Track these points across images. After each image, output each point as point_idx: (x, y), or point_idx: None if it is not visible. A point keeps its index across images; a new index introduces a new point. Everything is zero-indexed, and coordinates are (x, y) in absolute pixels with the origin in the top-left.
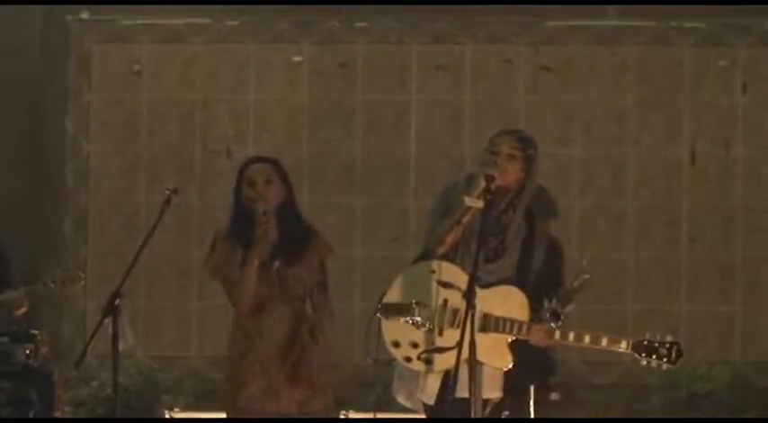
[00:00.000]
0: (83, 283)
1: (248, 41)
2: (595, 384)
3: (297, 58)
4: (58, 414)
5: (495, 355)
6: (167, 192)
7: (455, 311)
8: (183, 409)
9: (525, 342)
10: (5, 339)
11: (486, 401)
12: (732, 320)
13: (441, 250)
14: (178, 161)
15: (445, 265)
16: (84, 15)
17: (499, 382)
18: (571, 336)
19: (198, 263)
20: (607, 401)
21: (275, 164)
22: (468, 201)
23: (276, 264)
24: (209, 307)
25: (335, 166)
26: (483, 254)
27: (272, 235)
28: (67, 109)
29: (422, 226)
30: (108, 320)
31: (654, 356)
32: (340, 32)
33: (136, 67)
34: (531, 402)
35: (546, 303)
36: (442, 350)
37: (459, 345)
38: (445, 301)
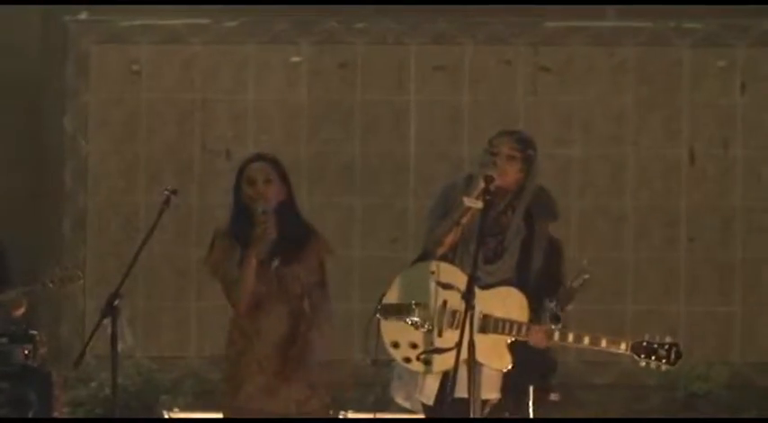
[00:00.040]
0: (81, 282)
1: (247, 42)
2: (594, 384)
3: (296, 59)
4: (56, 414)
5: (495, 356)
6: (166, 192)
7: (454, 312)
8: (183, 410)
9: (525, 343)
10: (4, 340)
11: (484, 402)
12: (731, 321)
13: (440, 251)
14: (177, 161)
15: (444, 265)
16: (83, 16)
17: (497, 382)
18: (570, 337)
19: (197, 263)
20: (605, 402)
21: (274, 162)
22: (468, 201)
23: (275, 263)
24: (208, 307)
25: (334, 166)
26: (482, 255)
27: (270, 234)
28: (66, 109)
29: (421, 227)
30: (107, 321)
31: (653, 357)
32: (339, 33)
33: (134, 68)
34: (530, 403)
35: (547, 304)
36: (441, 351)
37: (459, 346)
38: (444, 302)
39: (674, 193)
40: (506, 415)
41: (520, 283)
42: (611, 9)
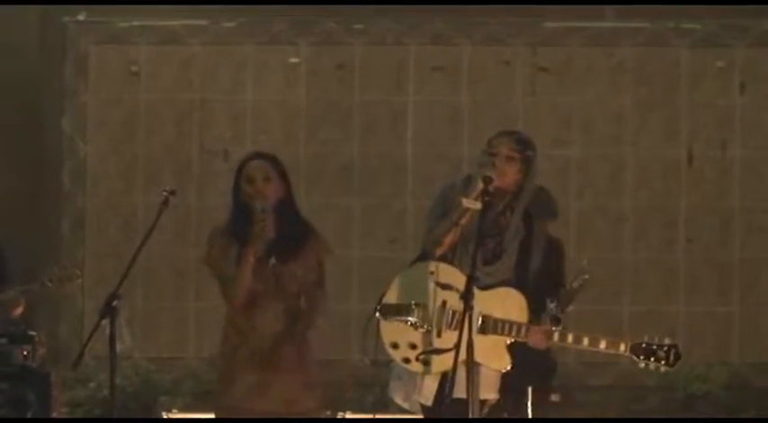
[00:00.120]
0: (79, 281)
1: (245, 42)
2: (592, 385)
3: (294, 60)
4: (55, 415)
5: (494, 357)
6: (165, 193)
7: (453, 313)
8: (182, 410)
9: (524, 344)
10: (3, 340)
11: (482, 403)
12: (730, 321)
13: (439, 252)
14: (175, 162)
15: (443, 266)
16: (82, 17)
17: (496, 383)
18: (570, 338)
19: (196, 264)
20: (604, 402)
21: (274, 160)
22: (466, 202)
23: (272, 261)
24: (207, 308)
25: (333, 167)
26: (481, 255)
27: (269, 232)
28: (64, 109)
29: (420, 227)
30: (105, 321)
31: (652, 359)
32: (337, 33)
33: (133, 68)
34: (529, 404)
35: (548, 304)
36: (440, 351)
37: (457, 346)
38: (444, 303)
39: (673, 194)
40: (505, 415)
41: (519, 283)
42: (609, 9)
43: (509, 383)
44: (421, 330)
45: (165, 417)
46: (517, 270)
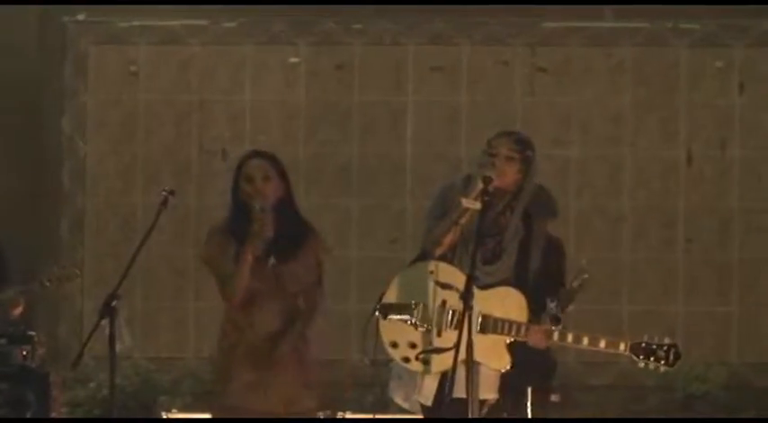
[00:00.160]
0: (78, 280)
1: (245, 43)
2: (592, 385)
3: (293, 60)
4: (54, 415)
5: (494, 357)
6: (164, 193)
7: (453, 312)
8: (181, 410)
9: (524, 343)
10: (3, 341)
11: (482, 402)
12: (729, 321)
13: (438, 251)
14: (175, 162)
15: (443, 266)
16: (81, 17)
17: (495, 383)
18: (569, 337)
19: (195, 264)
20: (603, 402)
21: (273, 159)
22: (466, 202)
23: (271, 260)
24: (206, 308)
25: (332, 167)
26: (481, 255)
27: (268, 231)
28: (64, 110)
29: (419, 227)
30: (105, 322)
31: (652, 358)
32: (337, 34)
33: (132, 69)
34: (529, 404)
35: (548, 304)
36: (440, 351)
37: (457, 346)
38: (443, 302)
39: (671, 194)
40: (505, 415)
41: (518, 283)
42: (608, 9)
43: (509, 383)
44: (421, 329)
45: (164, 417)
46: (517, 269)
